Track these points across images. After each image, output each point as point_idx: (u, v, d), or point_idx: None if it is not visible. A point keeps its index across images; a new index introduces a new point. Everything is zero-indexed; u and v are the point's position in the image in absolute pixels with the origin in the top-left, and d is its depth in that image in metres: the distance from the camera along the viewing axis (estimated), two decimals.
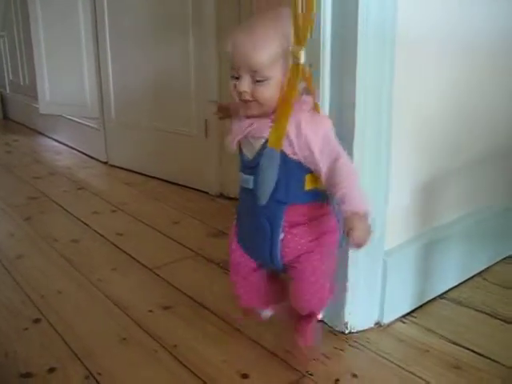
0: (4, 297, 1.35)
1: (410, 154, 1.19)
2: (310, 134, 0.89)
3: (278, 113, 0.90)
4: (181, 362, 1.08)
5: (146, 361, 1.09)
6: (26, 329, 1.21)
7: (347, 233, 0.85)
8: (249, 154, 0.95)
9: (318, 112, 0.92)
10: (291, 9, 0.86)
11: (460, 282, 1.37)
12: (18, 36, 3.49)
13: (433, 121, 1.22)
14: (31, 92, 3.29)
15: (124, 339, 1.16)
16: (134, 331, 1.19)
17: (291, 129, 0.89)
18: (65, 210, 2.00)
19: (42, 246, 1.67)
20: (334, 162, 0.89)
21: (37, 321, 1.24)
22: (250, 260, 1.05)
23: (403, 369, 1.05)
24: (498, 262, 1.49)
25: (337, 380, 1.02)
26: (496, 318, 1.23)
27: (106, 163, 2.64)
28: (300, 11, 0.85)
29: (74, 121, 2.90)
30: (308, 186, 0.93)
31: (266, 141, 0.91)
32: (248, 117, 0.94)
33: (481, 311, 1.26)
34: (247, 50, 0.88)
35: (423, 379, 1.02)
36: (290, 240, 0.96)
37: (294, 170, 0.91)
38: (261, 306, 1.14)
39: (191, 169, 2.20)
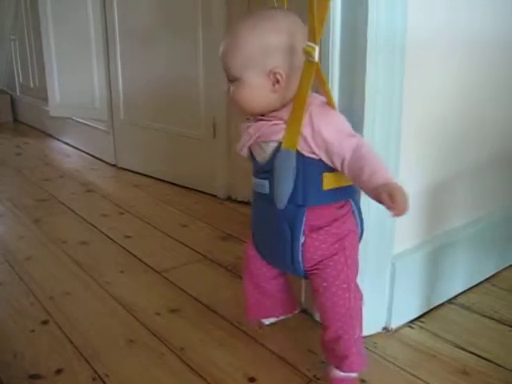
0: (12, 298, 1.35)
1: (418, 158, 1.19)
2: (324, 128, 0.87)
3: (292, 112, 0.87)
4: (188, 365, 1.08)
5: (152, 363, 1.09)
6: (34, 330, 1.21)
7: (387, 199, 0.80)
8: (260, 158, 0.94)
9: (331, 106, 0.91)
10: (307, 4, 0.82)
11: (468, 287, 1.37)
12: (29, 39, 3.52)
13: (440, 125, 1.21)
14: (41, 94, 3.31)
15: (131, 341, 1.16)
16: (141, 334, 1.20)
17: (304, 125, 0.87)
18: (73, 212, 2.01)
19: (50, 247, 1.68)
20: (357, 150, 0.86)
21: (45, 322, 1.24)
22: (267, 267, 1.04)
23: (410, 374, 1.05)
24: (506, 268, 1.48)
25: None
26: (504, 323, 1.23)
27: (114, 166, 2.65)
28: (315, 9, 0.81)
29: (83, 123, 2.92)
30: (326, 186, 0.90)
31: (279, 143, 0.89)
32: (256, 120, 0.93)
33: (489, 317, 1.25)
34: (222, 46, 0.91)
35: None
36: (311, 244, 0.93)
37: (312, 169, 0.89)
38: (268, 317, 1.14)
39: (199, 172, 2.21)
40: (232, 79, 0.91)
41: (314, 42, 0.82)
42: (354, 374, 0.98)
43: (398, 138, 1.09)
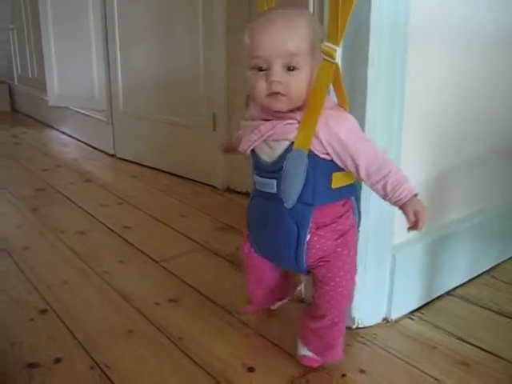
0: (11, 287, 1.35)
1: (418, 150, 1.18)
2: (340, 130, 0.87)
3: (307, 112, 0.86)
4: (187, 355, 1.08)
5: (151, 353, 1.09)
6: (33, 319, 1.21)
7: (413, 215, 0.86)
8: (266, 157, 0.93)
9: (346, 109, 0.91)
10: (329, 2, 0.82)
11: (468, 279, 1.37)
12: (27, 28, 3.50)
13: (441, 117, 1.21)
14: (39, 84, 3.30)
15: (130, 331, 1.16)
16: (140, 323, 1.19)
17: (320, 127, 0.86)
18: (72, 201, 2.00)
19: (48, 237, 1.67)
20: (374, 155, 0.88)
21: (43, 311, 1.24)
22: (265, 262, 1.05)
23: (410, 365, 1.05)
24: (506, 260, 1.48)
25: (343, 375, 1.02)
26: (504, 315, 1.22)
27: (113, 156, 2.65)
28: (340, 3, 0.81)
29: (82, 113, 2.91)
30: (334, 185, 0.91)
31: (291, 143, 0.88)
32: (265, 119, 0.91)
33: (489, 309, 1.25)
34: (280, 33, 0.85)
35: (430, 375, 1.01)
36: (317, 241, 0.94)
37: (322, 169, 0.89)
38: (271, 304, 1.19)
39: (199, 162, 2.20)
40: (295, 67, 0.86)
41: (336, 43, 0.83)
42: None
43: (400, 130, 1.09)
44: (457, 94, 1.23)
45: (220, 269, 1.45)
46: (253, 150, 0.95)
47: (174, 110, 2.25)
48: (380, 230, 1.11)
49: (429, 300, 1.27)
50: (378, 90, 1.03)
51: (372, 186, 0.90)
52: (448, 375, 1.02)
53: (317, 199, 0.91)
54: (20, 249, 1.58)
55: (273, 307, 1.21)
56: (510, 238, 1.49)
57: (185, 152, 2.25)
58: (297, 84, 0.86)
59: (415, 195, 0.88)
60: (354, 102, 1.03)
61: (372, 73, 1.01)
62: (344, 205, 0.95)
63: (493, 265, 1.44)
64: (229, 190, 2.10)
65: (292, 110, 0.89)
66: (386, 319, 1.19)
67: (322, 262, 0.95)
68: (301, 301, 1.24)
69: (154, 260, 1.50)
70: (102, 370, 1.03)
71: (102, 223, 1.78)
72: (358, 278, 1.10)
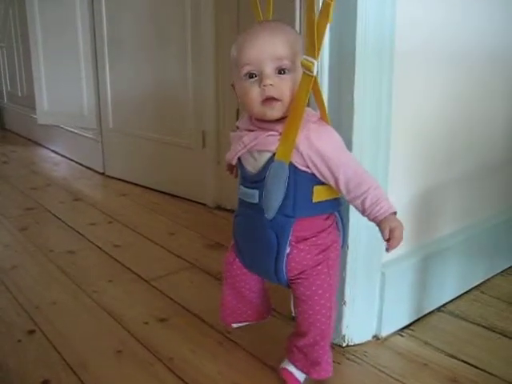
0: None
1: (407, 166, 1.19)
2: (321, 144, 0.87)
3: (288, 124, 0.87)
4: (176, 375, 1.07)
5: (141, 373, 1.08)
6: (20, 340, 1.19)
7: (388, 233, 0.86)
8: (251, 167, 0.94)
9: (327, 123, 0.92)
10: (305, 16, 0.83)
11: (458, 295, 1.37)
12: (17, 46, 3.50)
13: (428, 133, 1.22)
14: (29, 103, 3.30)
15: (119, 351, 1.15)
16: (129, 343, 1.18)
17: (301, 140, 0.87)
18: (61, 220, 1.99)
19: (37, 256, 1.66)
20: (355, 170, 0.88)
21: (31, 332, 1.22)
22: (247, 275, 1.04)
23: (401, 382, 1.04)
24: (495, 275, 1.49)
25: None
26: (494, 331, 1.23)
27: (102, 174, 2.64)
28: (317, 18, 0.82)
29: (72, 131, 2.90)
30: (316, 199, 0.91)
31: (273, 154, 0.89)
32: (249, 130, 0.93)
33: (479, 324, 1.25)
34: (270, 38, 0.87)
35: None
36: (296, 255, 0.94)
37: (303, 182, 0.90)
38: (241, 322, 1.14)
39: (188, 180, 2.20)
40: (286, 69, 0.87)
41: (314, 57, 0.83)
42: (302, 377, 1.02)
43: (387, 146, 1.09)
44: (444, 112, 1.24)
45: (210, 287, 1.45)
46: (240, 161, 0.96)
47: (164, 128, 2.25)
48: (369, 247, 1.11)
49: (419, 316, 1.27)
50: (365, 109, 1.04)
51: (351, 201, 0.90)
52: None
53: (297, 212, 0.91)
54: (8, 268, 1.57)
55: (235, 325, 1.15)
56: (499, 253, 1.49)
57: (174, 170, 2.25)
58: (288, 87, 0.87)
59: (394, 213, 0.88)
60: (341, 121, 1.04)
61: (358, 93, 1.02)
62: (326, 219, 0.95)
63: (482, 280, 1.45)
64: (218, 207, 2.10)
65: (274, 122, 0.89)
66: (376, 336, 1.19)
67: (301, 278, 0.95)
68: (292, 319, 1.24)
69: (144, 279, 1.49)
70: None
71: (92, 242, 1.77)
72: (347, 296, 1.11)
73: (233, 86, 0.95)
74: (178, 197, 2.24)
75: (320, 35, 0.83)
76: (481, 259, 1.42)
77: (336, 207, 0.96)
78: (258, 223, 0.94)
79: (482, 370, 1.08)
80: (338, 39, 1.02)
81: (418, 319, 1.26)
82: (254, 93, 0.88)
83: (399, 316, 1.22)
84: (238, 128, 0.98)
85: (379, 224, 0.88)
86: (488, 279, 1.46)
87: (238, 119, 1.02)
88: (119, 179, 2.53)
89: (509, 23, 1.35)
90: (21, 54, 3.45)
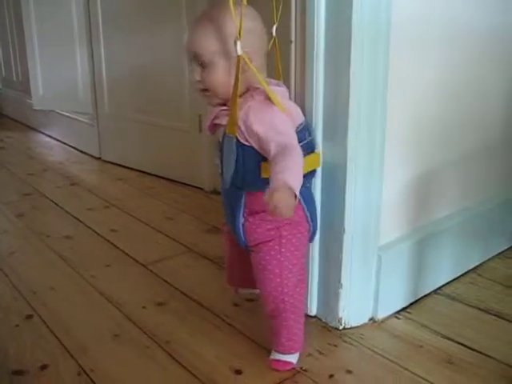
0: None
1: (403, 149, 1.19)
2: (255, 121, 0.92)
3: (229, 101, 0.94)
4: (174, 358, 1.07)
5: (138, 357, 1.08)
6: (18, 325, 1.20)
7: (271, 201, 0.81)
8: (220, 139, 1.01)
9: (271, 101, 0.94)
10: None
11: (454, 277, 1.37)
12: (11, 31, 3.46)
13: (424, 115, 1.21)
14: (24, 88, 3.27)
15: (117, 335, 1.16)
16: (127, 327, 1.19)
17: (241, 116, 0.93)
18: (58, 206, 1.99)
19: (34, 242, 1.66)
20: (283, 148, 0.89)
21: (29, 317, 1.23)
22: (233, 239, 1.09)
23: (397, 364, 1.05)
24: (492, 258, 1.49)
25: (331, 376, 1.02)
26: (490, 313, 1.23)
27: (99, 159, 2.63)
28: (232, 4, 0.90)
29: (68, 116, 2.89)
30: (265, 174, 0.94)
31: (225, 128, 0.96)
32: (213, 106, 1.00)
33: (475, 307, 1.26)
34: (190, 37, 0.96)
35: (417, 375, 1.02)
36: (248, 227, 1.01)
37: (250, 157, 0.94)
38: (239, 286, 1.26)
39: (185, 164, 2.20)
40: (205, 64, 0.95)
41: (236, 37, 0.90)
42: (290, 358, 1.04)
43: (383, 128, 1.09)
44: (440, 94, 1.24)
45: (207, 271, 1.45)
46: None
47: (160, 112, 2.24)
48: (365, 229, 1.12)
49: (415, 299, 1.27)
50: (361, 94, 1.03)
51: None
52: (434, 374, 1.02)
53: (245, 185, 0.98)
54: (6, 254, 1.57)
55: (240, 292, 1.28)
56: (495, 236, 1.50)
57: (171, 154, 2.24)
58: (210, 78, 0.96)
59: (289, 188, 0.83)
60: (336, 106, 1.04)
61: (354, 78, 1.01)
62: None
63: (478, 263, 1.45)
64: (215, 191, 2.10)
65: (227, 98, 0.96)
66: (372, 319, 1.19)
67: (254, 251, 1.02)
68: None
69: (141, 263, 1.50)
70: (88, 376, 1.02)
71: (89, 227, 1.77)
72: (344, 279, 1.12)
73: None
74: (174, 181, 2.24)
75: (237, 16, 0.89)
76: (477, 242, 1.43)
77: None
78: (224, 192, 1.04)
79: (477, 351, 1.09)
80: (335, 23, 1.01)
81: (415, 302, 1.27)
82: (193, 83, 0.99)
83: (396, 298, 1.23)
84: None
85: (269, 190, 0.83)
86: (484, 262, 1.46)
87: None
88: (115, 164, 2.52)
89: (507, 2, 1.34)
90: (15, 38, 3.42)
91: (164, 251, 1.58)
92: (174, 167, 2.25)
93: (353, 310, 1.16)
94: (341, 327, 1.16)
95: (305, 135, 1.00)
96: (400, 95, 1.12)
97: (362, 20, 0.99)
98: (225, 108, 0.97)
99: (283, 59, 1.07)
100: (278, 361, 1.04)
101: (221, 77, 0.95)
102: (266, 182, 0.91)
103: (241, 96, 0.95)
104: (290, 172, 0.86)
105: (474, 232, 1.41)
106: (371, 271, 1.16)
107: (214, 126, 1.02)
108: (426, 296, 1.29)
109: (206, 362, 1.06)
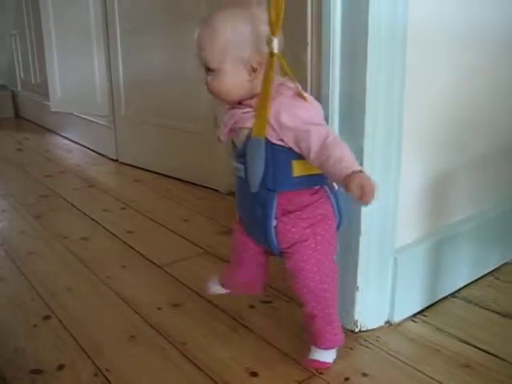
0: (14, 294, 1.35)
1: (420, 151, 1.18)
2: (289, 117, 0.90)
3: (258, 101, 0.91)
4: (189, 360, 1.08)
5: (154, 358, 1.09)
6: (36, 326, 1.21)
7: (358, 189, 0.82)
8: (238, 143, 0.98)
9: (302, 97, 0.93)
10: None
11: (471, 280, 1.36)
12: (30, 34, 3.51)
13: (442, 118, 1.21)
14: (42, 90, 3.31)
15: (133, 336, 1.16)
16: (142, 328, 1.19)
17: (272, 115, 0.90)
18: (75, 207, 2.01)
19: (52, 243, 1.68)
20: (323, 140, 0.89)
21: (46, 318, 1.24)
22: (251, 242, 1.06)
23: (413, 368, 1.04)
24: (510, 261, 1.47)
25: (346, 379, 1.02)
26: (507, 317, 1.22)
27: (116, 161, 2.65)
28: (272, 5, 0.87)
29: (85, 118, 2.91)
30: (297, 173, 0.94)
31: (250, 131, 0.93)
32: (230, 108, 0.97)
33: (492, 310, 1.25)
34: (198, 42, 0.94)
35: (433, 378, 1.01)
36: (282, 228, 0.97)
37: (281, 156, 0.93)
38: (233, 290, 1.17)
39: (201, 166, 2.20)
40: (210, 69, 0.94)
41: (273, 33, 0.88)
42: (330, 355, 1.05)
43: (400, 131, 1.09)
44: (458, 95, 1.23)
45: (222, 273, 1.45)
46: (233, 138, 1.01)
47: (176, 115, 2.25)
48: (382, 232, 1.11)
49: (432, 302, 1.26)
50: (377, 96, 1.03)
51: (320, 167, 0.90)
52: (451, 378, 1.01)
53: (278, 186, 0.95)
54: (24, 255, 1.59)
55: (214, 289, 1.19)
56: None
57: (187, 156, 2.25)
58: (216, 85, 0.95)
59: (360, 171, 0.85)
60: (352, 108, 1.03)
61: (370, 80, 1.01)
62: (313, 194, 0.97)
63: (496, 266, 1.44)
64: (231, 193, 2.10)
65: (249, 98, 0.94)
66: (388, 322, 1.19)
67: (290, 252, 0.98)
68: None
69: (157, 265, 1.50)
70: (104, 376, 1.03)
71: (105, 228, 1.79)
72: (360, 281, 1.11)
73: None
74: (190, 183, 2.25)
75: (277, 14, 0.86)
76: (495, 244, 1.41)
77: (321, 182, 0.98)
78: (248, 196, 0.98)
79: (495, 355, 1.08)
80: (350, 23, 1.01)
81: (431, 305, 1.26)
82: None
83: (412, 302, 1.22)
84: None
85: (345, 181, 0.84)
86: (502, 265, 1.45)
87: None
88: (132, 166, 2.54)
89: None
90: (34, 41, 3.46)
91: (180, 252, 1.58)
92: (189, 169, 2.26)
93: (369, 313, 1.15)
94: (357, 330, 1.15)
95: None
96: (417, 96, 1.12)
97: (379, 22, 0.99)
98: (247, 110, 0.94)
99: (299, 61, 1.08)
100: (317, 361, 1.04)
101: (230, 80, 0.94)
102: (300, 180, 0.94)
103: (253, 97, 0.93)
104: (351, 157, 0.88)
105: (492, 235, 1.40)
106: (387, 274, 1.15)
107: (231, 132, 0.98)
108: (442, 299, 1.28)
109: (222, 364, 1.06)
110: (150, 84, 2.34)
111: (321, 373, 1.03)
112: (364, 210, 1.07)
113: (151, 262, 1.53)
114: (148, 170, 2.45)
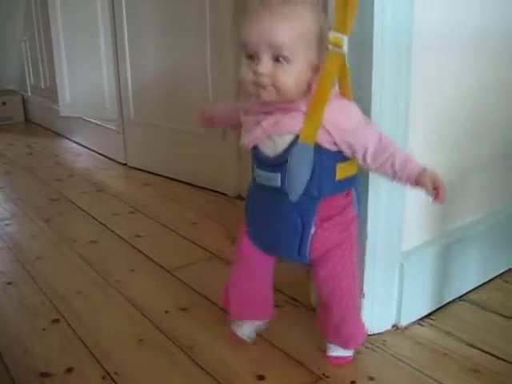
0: (23, 297, 1.36)
1: (427, 153, 1.17)
2: (344, 119, 0.88)
3: (314, 103, 0.86)
4: (197, 363, 1.08)
5: (162, 362, 1.09)
6: (45, 329, 1.22)
7: (432, 186, 0.87)
8: (270, 151, 0.91)
9: (347, 98, 0.92)
10: None
11: (480, 284, 1.36)
12: (39, 39, 3.53)
13: (450, 120, 1.20)
14: (52, 95, 3.33)
15: (141, 340, 1.17)
16: (150, 332, 1.20)
17: (326, 118, 0.86)
18: (84, 211, 2.02)
19: (61, 247, 1.69)
20: (379, 138, 0.89)
21: (55, 321, 1.25)
22: (262, 256, 1.03)
23: (420, 372, 1.04)
24: None
25: (353, 382, 1.02)
26: None
27: (125, 165, 2.66)
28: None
29: (94, 123, 2.93)
30: (339, 176, 0.92)
31: (295, 136, 0.88)
32: (266, 113, 0.90)
33: (500, 314, 1.24)
34: (269, 22, 0.83)
35: (441, 383, 1.01)
36: (321, 235, 0.94)
37: (327, 161, 0.89)
38: (250, 317, 1.12)
39: (210, 170, 2.21)
40: (284, 58, 0.84)
41: (345, 32, 0.84)
42: (350, 353, 1.07)
43: (406, 133, 1.08)
44: (465, 97, 1.23)
45: None
46: (254, 145, 0.94)
47: (184, 119, 2.25)
48: (389, 235, 1.11)
49: (439, 306, 1.26)
50: (383, 100, 1.03)
51: (380, 168, 0.90)
52: (459, 382, 1.01)
53: (322, 192, 0.91)
54: (33, 259, 1.60)
55: (239, 332, 1.13)
56: None
57: (195, 160, 2.25)
58: (285, 77, 0.84)
59: (424, 169, 0.89)
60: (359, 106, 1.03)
61: (376, 83, 1.01)
62: (346, 196, 0.96)
63: (505, 269, 1.43)
64: (239, 197, 2.10)
65: (295, 101, 0.88)
66: (395, 326, 1.18)
67: (327, 258, 0.96)
68: (312, 310, 1.24)
69: (165, 269, 1.51)
70: (113, 380, 1.04)
71: (114, 232, 1.80)
72: (367, 285, 1.11)
73: None
74: (199, 187, 2.25)
75: (352, 9, 0.83)
76: (503, 248, 1.41)
77: (354, 183, 0.97)
78: (280, 206, 0.93)
79: (503, 360, 1.07)
80: (355, 33, 1.01)
81: (439, 308, 1.25)
82: (249, 75, 0.86)
83: (419, 305, 1.22)
84: (246, 110, 0.96)
85: (417, 180, 0.88)
86: (511, 268, 1.44)
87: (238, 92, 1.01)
88: (141, 170, 2.55)
89: None
90: (43, 46, 3.48)
91: (188, 257, 1.59)
92: (198, 173, 2.26)
93: (376, 317, 1.15)
94: None
95: None
96: (424, 98, 1.12)
97: (384, 23, 0.98)
98: (295, 114, 0.88)
99: None
100: (341, 357, 1.06)
101: (297, 75, 0.85)
102: (340, 183, 0.93)
103: (297, 99, 0.87)
104: (410, 156, 0.90)
105: (500, 238, 1.39)
106: (394, 277, 1.15)
107: (255, 139, 0.92)
108: (450, 303, 1.28)
109: (229, 368, 1.07)
110: (159, 88, 2.35)
111: (327, 376, 1.03)
112: (370, 214, 1.07)
113: (160, 266, 1.53)
114: (157, 174, 2.46)
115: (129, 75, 2.48)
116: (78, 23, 2.74)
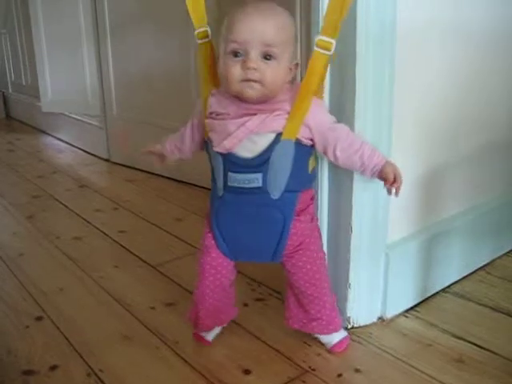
0: (6, 294, 1.35)
1: (411, 146, 1.18)
2: (322, 116, 0.94)
3: (298, 102, 0.90)
4: (183, 359, 1.08)
5: (147, 357, 1.09)
6: (28, 326, 1.20)
7: (393, 178, 0.94)
8: (247, 152, 0.92)
9: (321, 97, 0.97)
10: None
11: (463, 275, 1.37)
12: (20, 34, 3.50)
13: (433, 113, 1.21)
14: (33, 91, 3.30)
15: (126, 336, 1.16)
16: (136, 328, 1.19)
17: (307, 116, 0.91)
18: (67, 207, 2.00)
19: (44, 243, 1.67)
20: (347, 133, 0.95)
21: (39, 318, 1.24)
22: (227, 265, 1.04)
23: (406, 363, 1.05)
24: (501, 256, 1.48)
25: (339, 375, 1.02)
26: (499, 311, 1.22)
27: (107, 161, 2.64)
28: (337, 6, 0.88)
29: (76, 119, 2.91)
30: (310, 170, 0.97)
31: (277, 134, 0.90)
32: (250, 114, 0.90)
33: (484, 305, 1.25)
34: (261, 21, 0.87)
35: (426, 373, 1.01)
36: (298, 227, 0.97)
37: (304, 156, 0.94)
38: (214, 325, 1.12)
39: (193, 165, 2.19)
40: (271, 56, 0.88)
41: (335, 37, 0.89)
42: (343, 334, 1.09)
43: (390, 127, 1.08)
44: (450, 90, 1.23)
45: None
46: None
47: (167, 114, 2.24)
48: (373, 228, 1.11)
49: (424, 298, 1.27)
50: (367, 94, 1.02)
51: (347, 159, 0.94)
52: (444, 373, 1.02)
53: (300, 186, 0.96)
54: (15, 256, 1.58)
55: (209, 337, 1.12)
56: (504, 234, 1.49)
57: None
58: (272, 73, 0.88)
59: (388, 161, 0.95)
60: (343, 106, 1.03)
61: (360, 73, 1.01)
62: (311, 189, 1.01)
63: (488, 261, 1.44)
64: None
65: (277, 102, 0.91)
66: (381, 318, 1.19)
67: (301, 249, 0.99)
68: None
69: (150, 264, 1.50)
70: (97, 377, 1.03)
71: (98, 228, 1.78)
72: (352, 278, 1.12)
73: None
74: (183, 182, 2.25)
75: (342, 14, 0.88)
76: (486, 239, 1.42)
77: (315, 176, 1.04)
78: (258, 206, 0.95)
79: (487, 350, 1.08)
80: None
81: (423, 300, 1.26)
82: (236, 72, 0.88)
83: (404, 297, 1.22)
84: (214, 114, 0.96)
85: (381, 170, 0.94)
86: (493, 260, 1.46)
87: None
88: (124, 165, 2.54)
89: None
90: (24, 42, 3.45)
91: (173, 252, 1.58)
92: (182, 168, 2.25)
93: (361, 309, 1.15)
94: (349, 326, 1.15)
95: None
96: (406, 94, 1.12)
97: (367, 19, 0.98)
98: (279, 113, 0.90)
99: None
100: (340, 341, 1.08)
101: (282, 73, 0.89)
102: (311, 176, 0.99)
103: (273, 99, 0.91)
104: (375, 148, 0.96)
105: (484, 230, 1.40)
106: (379, 270, 1.16)
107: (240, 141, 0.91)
108: (434, 294, 1.29)
109: (215, 362, 1.06)
110: (141, 83, 2.33)
111: (313, 369, 1.03)
112: (355, 206, 1.07)
113: (144, 261, 1.52)
114: (140, 170, 2.44)
115: (111, 71, 2.46)
116: (59, 20, 2.72)
